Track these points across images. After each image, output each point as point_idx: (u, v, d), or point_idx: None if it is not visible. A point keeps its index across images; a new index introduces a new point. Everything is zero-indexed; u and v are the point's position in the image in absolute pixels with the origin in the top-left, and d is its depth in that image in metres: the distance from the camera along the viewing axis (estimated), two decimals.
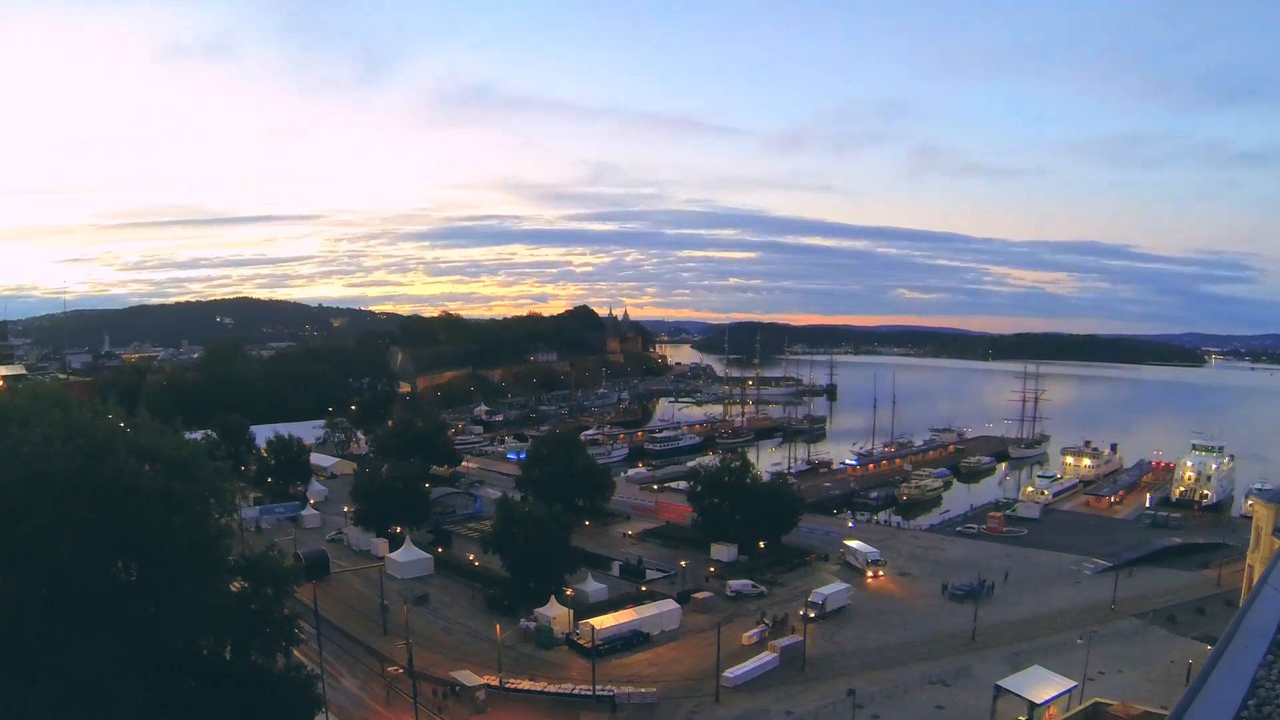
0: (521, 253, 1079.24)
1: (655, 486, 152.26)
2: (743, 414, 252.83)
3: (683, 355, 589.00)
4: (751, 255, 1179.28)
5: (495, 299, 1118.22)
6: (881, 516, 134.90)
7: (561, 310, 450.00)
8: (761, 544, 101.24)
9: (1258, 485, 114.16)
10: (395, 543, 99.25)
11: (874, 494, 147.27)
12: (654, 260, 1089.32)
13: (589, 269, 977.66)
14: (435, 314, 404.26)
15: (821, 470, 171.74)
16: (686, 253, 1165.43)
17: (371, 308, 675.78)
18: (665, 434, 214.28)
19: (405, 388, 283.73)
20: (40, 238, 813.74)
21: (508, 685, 64.03)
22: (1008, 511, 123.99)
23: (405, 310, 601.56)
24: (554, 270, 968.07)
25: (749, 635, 74.73)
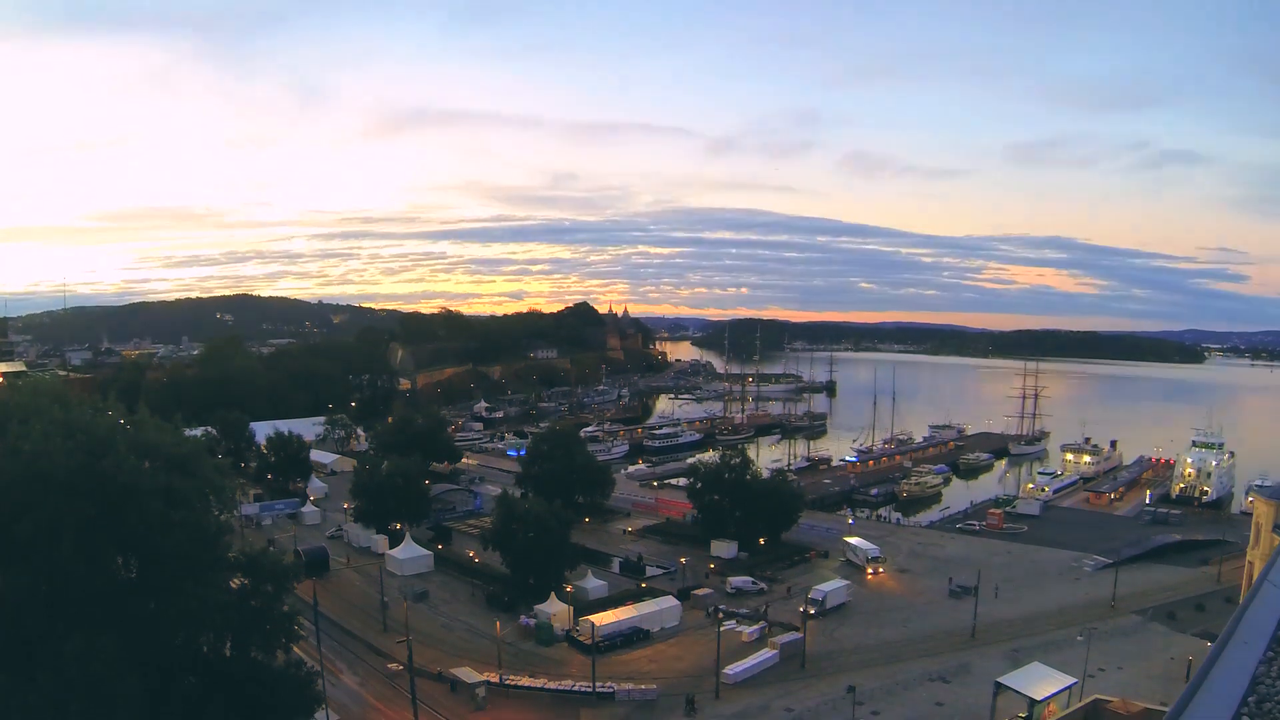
0: (480, 250, 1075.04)
1: (655, 483, 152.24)
2: (743, 411, 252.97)
3: (682, 352, 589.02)
4: (733, 252, 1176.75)
5: (473, 296, 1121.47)
6: (881, 513, 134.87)
7: (560, 308, 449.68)
8: (761, 541, 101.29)
9: (1258, 482, 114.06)
10: (395, 539, 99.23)
11: (874, 491, 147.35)
12: (635, 257, 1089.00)
13: (551, 267, 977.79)
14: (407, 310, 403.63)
15: (821, 467, 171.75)
16: (669, 249, 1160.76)
17: (365, 304, 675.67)
18: (665, 431, 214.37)
19: (405, 384, 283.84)
20: (40, 236, 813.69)
21: (508, 682, 64.08)
22: (1008, 508, 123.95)
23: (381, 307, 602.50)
24: (540, 267, 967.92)
25: (748, 632, 74.83)
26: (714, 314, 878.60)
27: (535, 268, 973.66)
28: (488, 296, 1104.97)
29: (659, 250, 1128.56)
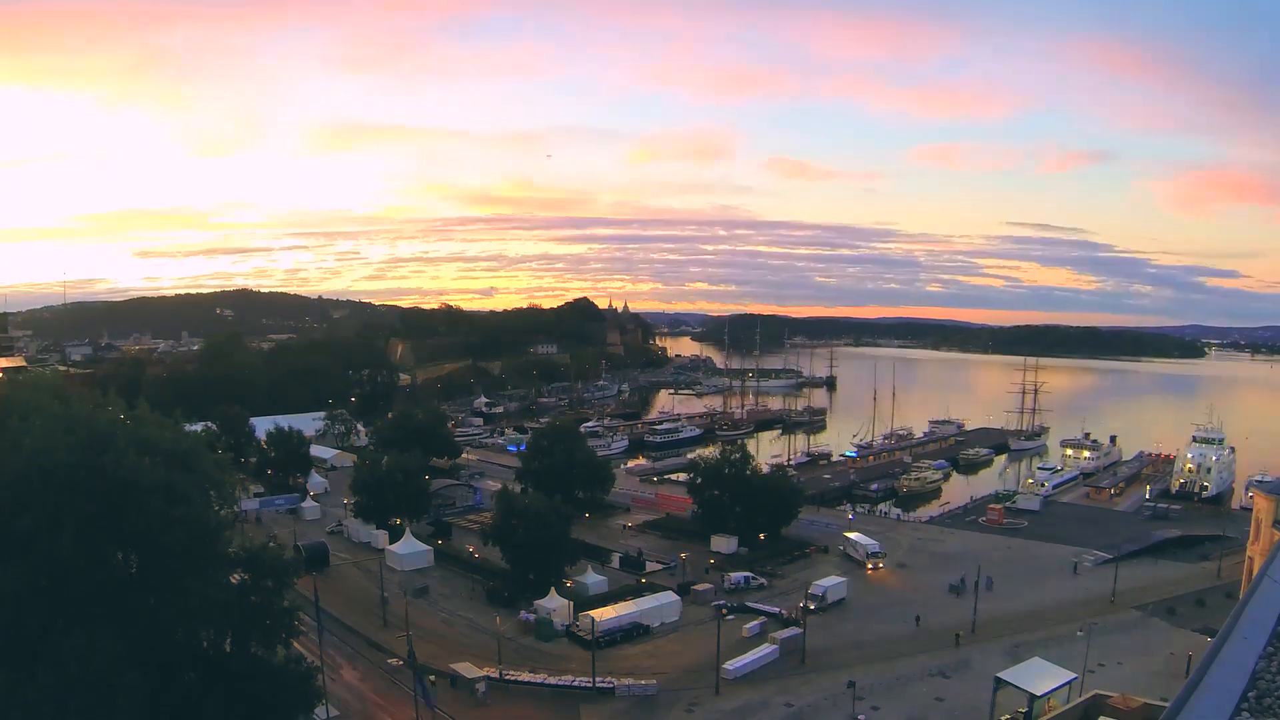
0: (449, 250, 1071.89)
1: (655, 478, 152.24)
2: (742, 406, 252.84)
3: (683, 347, 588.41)
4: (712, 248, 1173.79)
5: (444, 292, 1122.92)
6: (881, 509, 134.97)
7: (559, 303, 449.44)
8: (761, 536, 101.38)
9: (1258, 477, 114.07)
10: (395, 535, 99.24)
11: (874, 486, 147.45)
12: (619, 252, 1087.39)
13: (523, 264, 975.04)
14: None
15: (821, 462, 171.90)
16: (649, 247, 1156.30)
17: (365, 300, 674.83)
18: (665, 426, 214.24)
19: (405, 380, 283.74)
20: (38, 237, 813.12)
21: (507, 677, 64.18)
22: (1008, 504, 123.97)
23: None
24: (527, 264, 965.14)
25: (747, 627, 74.93)
26: (714, 309, 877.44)
27: (509, 266, 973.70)
28: (457, 293, 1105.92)
29: (644, 246, 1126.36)
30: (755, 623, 75.94)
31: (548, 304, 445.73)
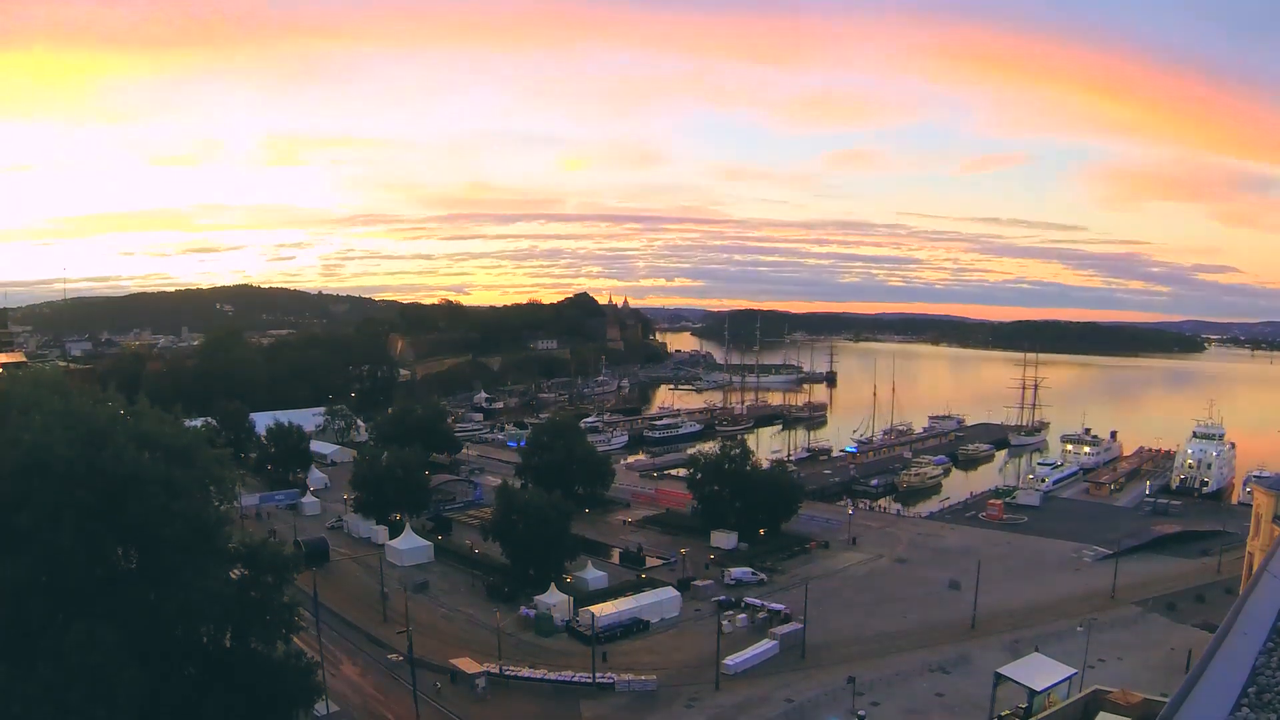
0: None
1: (655, 474, 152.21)
2: (742, 401, 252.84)
3: (682, 343, 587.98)
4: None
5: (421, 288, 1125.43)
6: (880, 504, 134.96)
7: (559, 298, 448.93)
8: (761, 531, 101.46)
9: (1258, 472, 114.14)
10: (395, 530, 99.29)
11: (874, 481, 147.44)
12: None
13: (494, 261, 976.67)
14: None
15: (821, 458, 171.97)
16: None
17: (365, 295, 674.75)
18: (665, 421, 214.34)
19: (405, 375, 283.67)
20: (39, 230, 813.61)
21: (508, 673, 64.21)
22: (1008, 499, 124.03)
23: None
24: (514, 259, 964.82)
25: (739, 618, 75.08)
26: (714, 305, 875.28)
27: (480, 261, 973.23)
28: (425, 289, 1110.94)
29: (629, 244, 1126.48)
30: (743, 615, 76.05)
31: (548, 299, 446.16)
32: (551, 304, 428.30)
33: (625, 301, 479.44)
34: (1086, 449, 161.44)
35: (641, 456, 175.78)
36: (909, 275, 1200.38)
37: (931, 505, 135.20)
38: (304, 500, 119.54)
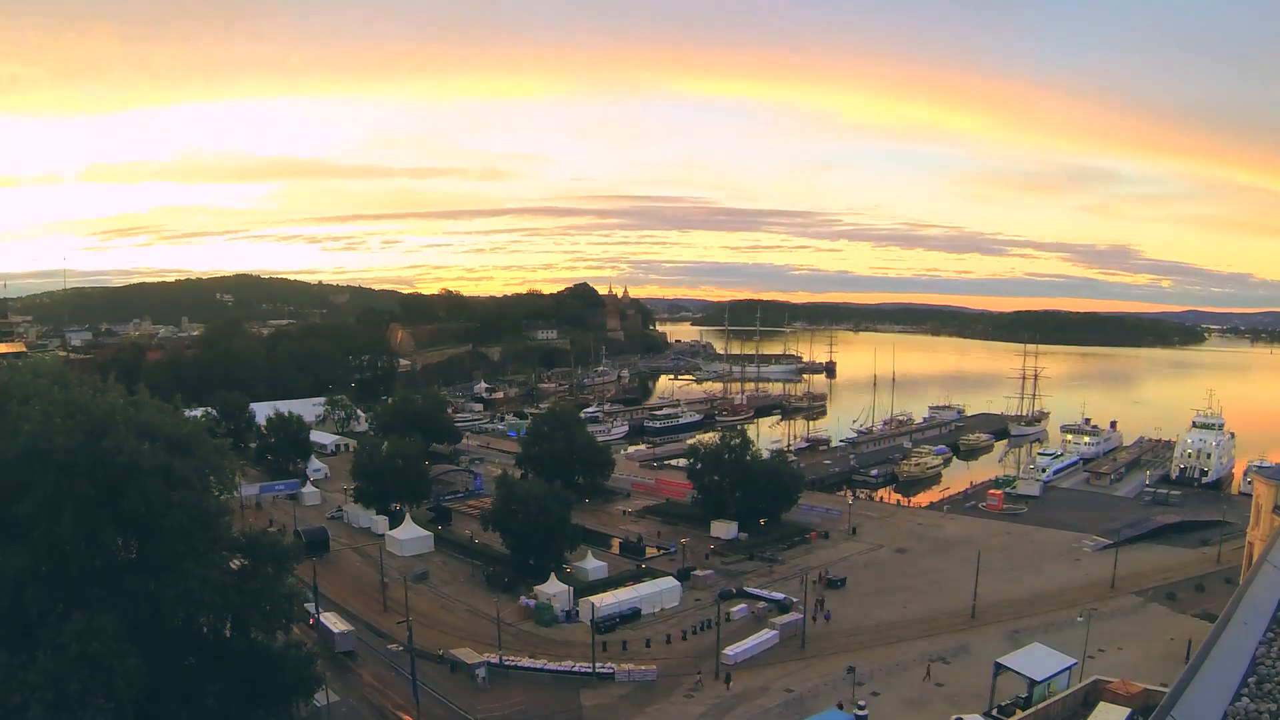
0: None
1: (655, 464, 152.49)
2: (742, 391, 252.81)
3: (682, 333, 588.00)
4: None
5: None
6: (880, 494, 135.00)
7: (560, 288, 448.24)
8: (761, 521, 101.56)
9: (1258, 463, 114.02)
10: (395, 520, 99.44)
11: (874, 471, 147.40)
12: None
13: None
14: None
15: (821, 448, 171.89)
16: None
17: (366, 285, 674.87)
18: (665, 411, 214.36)
19: (405, 365, 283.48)
20: (39, 227, 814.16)
21: (507, 662, 64.31)
22: (1008, 489, 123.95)
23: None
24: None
25: (734, 610, 75.25)
26: (714, 294, 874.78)
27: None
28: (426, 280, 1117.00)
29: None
30: (741, 606, 76.20)
31: (548, 289, 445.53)
32: (551, 294, 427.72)
33: (625, 291, 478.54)
34: (1087, 439, 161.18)
35: (641, 446, 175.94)
36: (911, 264, 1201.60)
37: (931, 495, 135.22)
38: (304, 490, 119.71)
